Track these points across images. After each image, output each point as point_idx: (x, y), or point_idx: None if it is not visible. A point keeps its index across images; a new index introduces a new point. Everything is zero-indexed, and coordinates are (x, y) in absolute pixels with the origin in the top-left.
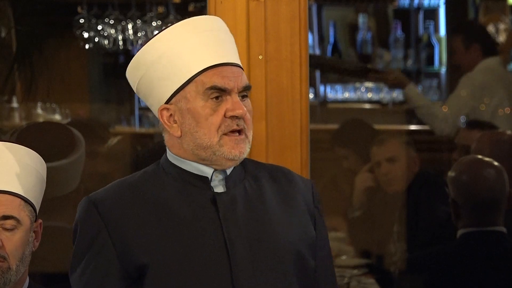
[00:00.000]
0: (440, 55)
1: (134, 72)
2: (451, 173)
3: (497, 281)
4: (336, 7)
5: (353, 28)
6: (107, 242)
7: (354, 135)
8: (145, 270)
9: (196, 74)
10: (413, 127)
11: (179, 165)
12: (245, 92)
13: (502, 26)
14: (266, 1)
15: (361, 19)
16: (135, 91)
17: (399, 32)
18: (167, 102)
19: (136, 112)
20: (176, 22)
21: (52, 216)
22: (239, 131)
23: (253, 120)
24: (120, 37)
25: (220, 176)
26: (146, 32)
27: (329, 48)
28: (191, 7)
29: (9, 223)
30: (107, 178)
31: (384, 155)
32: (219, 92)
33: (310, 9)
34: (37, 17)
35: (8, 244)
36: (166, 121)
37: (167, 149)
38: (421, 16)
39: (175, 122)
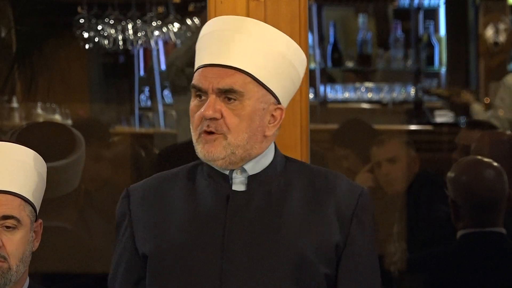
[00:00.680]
0: (440, 55)
1: None
2: (450, 174)
3: (496, 282)
4: (336, 7)
5: (353, 28)
6: (128, 229)
7: (354, 135)
8: (146, 260)
9: (195, 72)
10: (413, 127)
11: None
12: (226, 94)
13: (502, 26)
14: (266, 1)
15: (361, 19)
16: None
17: (399, 32)
18: None
19: (136, 112)
20: (176, 22)
21: (52, 216)
22: (210, 133)
23: None
24: (120, 37)
25: (243, 175)
26: (146, 32)
27: (329, 48)
28: (191, 7)
29: (9, 223)
30: (107, 179)
31: (384, 155)
32: (200, 92)
33: (310, 9)
34: (37, 17)
35: (8, 244)
36: None
37: None
38: (421, 16)
39: None
